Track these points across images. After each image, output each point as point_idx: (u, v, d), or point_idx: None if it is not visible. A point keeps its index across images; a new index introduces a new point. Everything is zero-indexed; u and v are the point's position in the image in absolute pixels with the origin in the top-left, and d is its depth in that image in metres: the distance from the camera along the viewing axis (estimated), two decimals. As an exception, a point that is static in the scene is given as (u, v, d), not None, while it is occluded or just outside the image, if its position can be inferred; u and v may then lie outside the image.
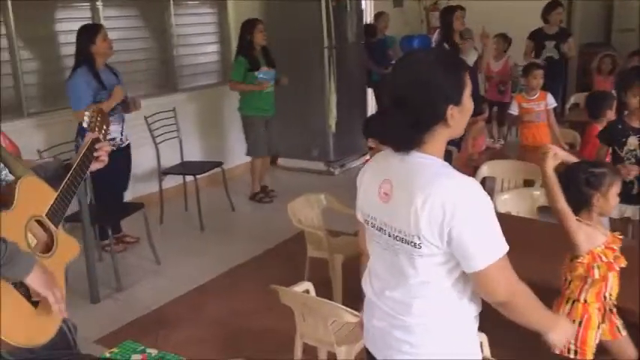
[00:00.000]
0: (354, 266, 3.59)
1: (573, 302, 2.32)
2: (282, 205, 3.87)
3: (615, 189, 2.32)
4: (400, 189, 1.55)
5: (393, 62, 7.12)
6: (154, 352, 2.06)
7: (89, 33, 4.23)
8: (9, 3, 4.47)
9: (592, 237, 2.27)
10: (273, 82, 5.41)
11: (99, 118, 2.06)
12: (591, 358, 2.29)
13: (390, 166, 1.59)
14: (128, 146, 4.54)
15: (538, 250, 2.87)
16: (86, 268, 3.74)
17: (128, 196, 4.88)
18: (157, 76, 5.81)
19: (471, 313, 1.61)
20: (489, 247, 1.49)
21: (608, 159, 3.50)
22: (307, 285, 2.77)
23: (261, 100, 5.40)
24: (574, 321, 2.26)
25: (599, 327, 2.30)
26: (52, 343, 1.71)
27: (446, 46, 5.27)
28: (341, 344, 2.52)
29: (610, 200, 2.31)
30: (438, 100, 1.50)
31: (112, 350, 2.11)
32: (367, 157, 5.23)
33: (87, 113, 2.04)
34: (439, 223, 1.46)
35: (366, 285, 1.75)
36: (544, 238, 3.07)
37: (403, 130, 1.52)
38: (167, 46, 5.82)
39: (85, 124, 2.02)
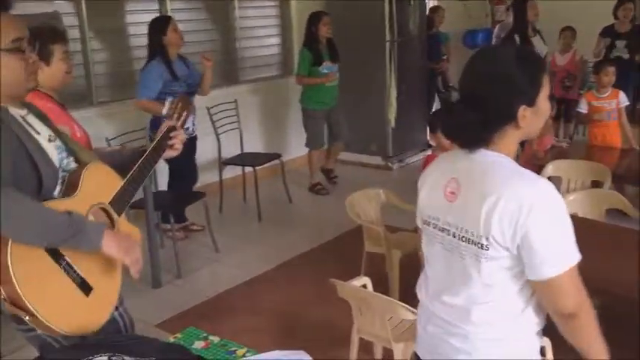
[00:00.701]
0: (412, 263, 3.56)
1: None
2: (340, 198, 3.87)
3: None
4: (469, 188, 1.50)
5: (444, 57, 7.03)
6: (216, 339, 2.09)
7: (160, 25, 4.34)
8: (82, -5, 4.63)
9: None
10: (337, 75, 5.45)
11: (180, 105, 2.06)
12: None
13: (457, 164, 1.54)
14: (195, 137, 4.65)
15: (606, 255, 2.76)
16: (149, 254, 3.84)
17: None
18: (219, 68, 5.89)
19: (534, 326, 1.53)
20: (563, 254, 1.41)
21: None
22: (365, 280, 2.76)
23: (324, 94, 5.45)
24: None
25: None
26: (102, 329, 1.70)
27: (516, 37, 5.11)
28: (398, 341, 2.50)
29: None
30: (510, 98, 1.43)
31: (175, 336, 2.15)
32: (428, 152, 5.18)
33: (168, 100, 2.06)
34: (513, 224, 1.40)
35: (420, 290, 1.69)
36: (612, 242, 2.95)
37: (473, 127, 1.46)
38: (230, 39, 5.91)
39: (164, 111, 2.03)
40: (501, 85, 1.43)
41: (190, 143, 4.51)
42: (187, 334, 2.15)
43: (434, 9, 7.22)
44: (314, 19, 5.36)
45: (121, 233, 1.72)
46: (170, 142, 2.00)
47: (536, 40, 5.18)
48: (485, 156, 1.49)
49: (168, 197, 4.41)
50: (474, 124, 1.46)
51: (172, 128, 2.01)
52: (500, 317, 1.51)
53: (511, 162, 1.49)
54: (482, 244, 1.46)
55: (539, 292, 1.48)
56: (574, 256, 1.43)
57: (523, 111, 1.44)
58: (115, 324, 1.83)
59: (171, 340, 2.10)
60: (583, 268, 2.37)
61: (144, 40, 5.10)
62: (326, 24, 5.33)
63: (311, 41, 5.37)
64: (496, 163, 1.48)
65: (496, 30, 7.03)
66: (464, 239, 1.50)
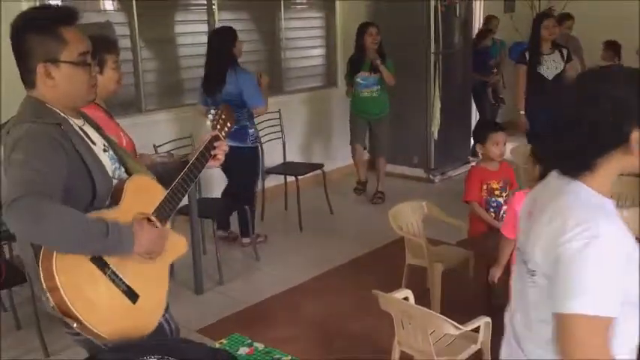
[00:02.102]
0: (454, 276, 3.53)
1: None
2: (382, 210, 3.86)
3: None
4: (538, 209, 1.40)
5: (494, 70, 6.91)
6: (260, 346, 2.11)
7: (232, 35, 4.45)
8: (134, 4, 4.76)
9: None
10: (374, 87, 5.44)
11: (223, 116, 2.07)
12: None
13: (544, 188, 1.44)
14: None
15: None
16: (193, 260, 3.90)
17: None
18: (264, 78, 5.98)
19: None
20: (588, 293, 1.23)
21: None
22: (407, 292, 2.73)
23: (362, 103, 5.54)
24: None
25: None
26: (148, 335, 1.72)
27: (526, 54, 5.06)
28: (441, 355, 2.47)
29: None
30: (623, 119, 1.29)
31: (221, 341, 2.18)
32: (473, 163, 5.12)
33: (212, 111, 2.06)
34: (551, 242, 1.29)
35: (506, 312, 1.61)
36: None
37: (575, 150, 1.34)
38: (275, 49, 5.98)
39: (208, 122, 2.04)
40: (616, 105, 1.29)
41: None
42: (232, 340, 2.17)
43: (488, 19, 7.12)
44: (360, 30, 5.44)
45: (150, 229, 1.72)
46: (213, 152, 2.00)
47: (550, 58, 5.03)
48: (574, 186, 1.35)
49: (211, 205, 4.47)
50: (577, 147, 1.33)
51: (216, 138, 2.02)
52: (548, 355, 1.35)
53: (594, 197, 1.34)
54: (530, 270, 1.38)
55: (553, 330, 1.30)
56: (603, 305, 1.23)
57: (637, 134, 1.28)
58: (162, 330, 1.85)
59: (217, 345, 2.12)
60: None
61: (192, 50, 5.22)
62: (371, 35, 5.35)
63: (356, 52, 5.47)
64: (573, 192, 1.35)
65: None
66: (523, 262, 1.42)
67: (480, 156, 3.55)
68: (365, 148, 5.84)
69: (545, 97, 4.83)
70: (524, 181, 3.89)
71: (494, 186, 3.40)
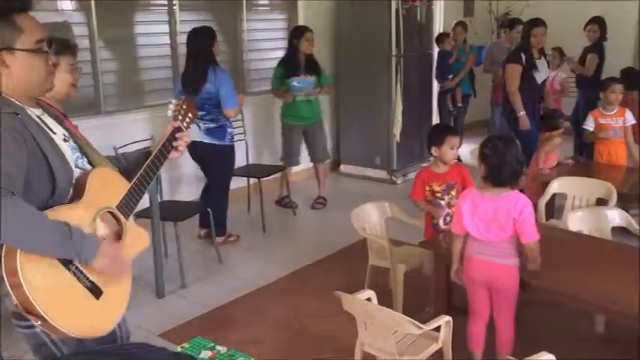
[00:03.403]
0: (416, 277, 3.58)
1: None
2: (344, 211, 3.88)
3: None
4: None
5: (449, 76, 6.90)
6: (223, 349, 2.10)
7: (212, 35, 4.47)
8: (92, 4, 4.67)
9: None
10: (311, 88, 5.31)
11: (184, 107, 2.05)
12: None
13: None
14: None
15: (609, 273, 2.76)
16: (154, 263, 3.85)
17: (193, 194, 5.05)
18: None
19: None
20: None
21: None
22: (369, 293, 2.75)
23: (298, 108, 5.37)
24: None
25: None
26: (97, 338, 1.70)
27: (522, 55, 5.17)
28: (403, 355, 2.50)
29: None
30: None
31: (182, 345, 2.16)
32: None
33: (173, 102, 2.04)
34: None
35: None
36: (616, 261, 2.95)
37: None
38: (238, 51, 5.95)
39: (169, 112, 2.02)
40: None
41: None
42: (194, 343, 2.16)
43: (456, 25, 7.09)
44: (296, 33, 5.32)
45: (116, 250, 1.73)
46: (175, 144, 2.00)
47: (540, 63, 5.23)
48: None
49: (172, 207, 4.42)
50: None
51: (178, 129, 2.02)
52: None
53: None
54: None
55: None
56: None
57: None
58: (112, 333, 1.81)
59: (179, 349, 2.10)
60: (588, 286, 2.38)
61: (153, 51, 5.16)
62: (308, 39, 5.28)
63: (289, 55, 5.35)
64: None
65: (487, 49, 7.05)
66: None
67: (432, 158, 3.62)
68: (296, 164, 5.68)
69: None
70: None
71: (436, 188, 3.47)
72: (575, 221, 3.40)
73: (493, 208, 2.64)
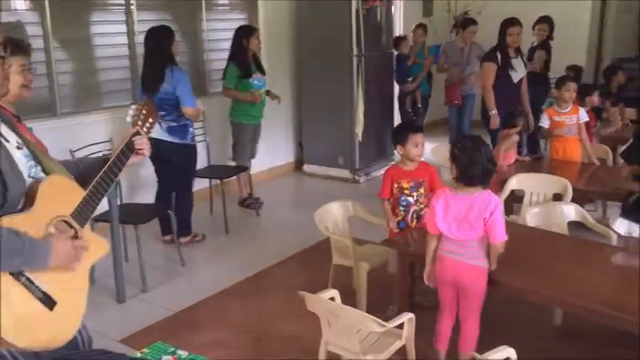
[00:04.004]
0: (379, 275, 3.60)
1: None
2: (307, 211, 3.88)
3: None
4: None
5: (409, 79, 6.98)
6: (184, 353, 2.07)
7: (169, 34, 4.43)
8: (46, 4, 4.55)
9: None
10: (264, 89, 5.43)
11: (144, 111, 2.01)
12: None
13: None
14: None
15: (566, 266, 2.83)
16: (114, 267, 3.77)
17: (154, 196, 4.97)
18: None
19: None
20: None
21: None
22: (333, 292, 2.76)
23: (254, 108, 5.40)
24: None
25: None
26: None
27: (498, 54, 5.25)
28: (367, 353, 2.51)
29: None
30: None
31: (142, 350, 2.12)
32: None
33: (132, 106, 2.00)
34: None
35: None
36: (574, 254, 3.03)
37: None
38: (198, 51, 5.88)
39: (128, 118, 1.99)
40: None
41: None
42: (155, 349, 2.12)
43: (417, 27, 7.16)
44: (245, 33, 5.30)
45: (65, 241, 1.68)
46: (137, 147, 1.96)
47: (516, 62, 5.33)
48: None
49: (132, 210, 4.34)
50: None
51: (136, 134, 1.98)
52: None
53: None
54: None
55: None
56: None
57: None
58: (74, 340, 1.76)
59: (139, 355, 2.07)
60: (548, 280, 2.43)
61: (110, 51, 5.06)
62: (257, 38, 5.33)
63: (239, 54, 5.29)
64: None
65: (441, 48, 7.13)
66: None
67: (399, 157, 3.65)
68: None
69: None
70: (444, 180, 4.02)
71: (405, 185, 3.51)
72: (533, 217, 3.47)
73: (465, 207, 2.67)
